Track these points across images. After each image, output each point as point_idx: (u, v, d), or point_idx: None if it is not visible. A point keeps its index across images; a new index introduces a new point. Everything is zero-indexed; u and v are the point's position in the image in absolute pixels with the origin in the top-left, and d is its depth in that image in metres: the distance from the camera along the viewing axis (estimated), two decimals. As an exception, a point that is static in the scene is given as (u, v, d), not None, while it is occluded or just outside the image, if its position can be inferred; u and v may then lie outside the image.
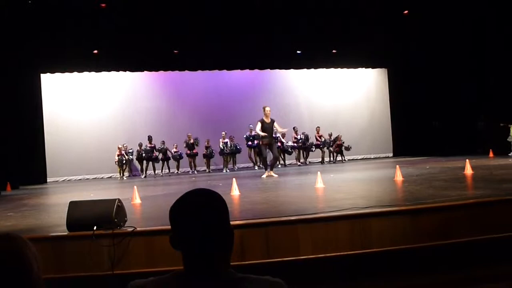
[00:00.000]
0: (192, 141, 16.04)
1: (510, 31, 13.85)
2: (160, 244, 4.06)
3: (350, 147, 17.54)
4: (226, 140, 16.24)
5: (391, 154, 19.24)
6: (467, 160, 8.85)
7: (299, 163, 16.98)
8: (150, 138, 15.76)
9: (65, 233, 4.31)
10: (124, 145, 15.74)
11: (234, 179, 7.97)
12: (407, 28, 15.83)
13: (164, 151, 15.95)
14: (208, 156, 16.38)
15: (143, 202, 7.11)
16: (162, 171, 16.16)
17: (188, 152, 16.10)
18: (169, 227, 1.38)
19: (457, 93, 16.35)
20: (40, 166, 15.00)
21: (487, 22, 14.46)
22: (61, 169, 15.80)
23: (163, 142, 15.93)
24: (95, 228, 4.15)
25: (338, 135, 17.45)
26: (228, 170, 16.04)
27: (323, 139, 17.25)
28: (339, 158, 17.75)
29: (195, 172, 16.00)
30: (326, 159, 17.62)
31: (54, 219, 5.50)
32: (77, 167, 15.99)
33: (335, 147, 17.50)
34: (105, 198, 4.74)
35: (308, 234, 4.26)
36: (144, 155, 15.62)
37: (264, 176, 11.10)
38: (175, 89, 17.39)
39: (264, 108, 11.43)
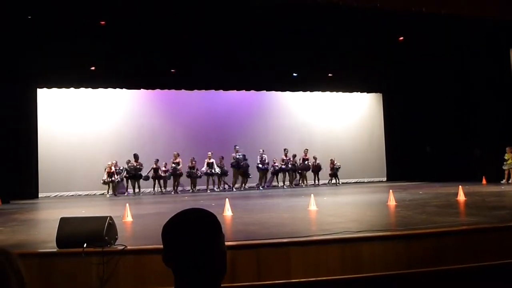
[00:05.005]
0: (178, 160, 15.87)
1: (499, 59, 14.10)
2: (150, 263, 4.02)
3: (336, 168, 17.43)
4: (212, 160, 16.11)
5: (384, 179, 19.25)
6: (460, 186, 8.88)
7: (285, 186, 16.88)
8: (136, 156, 15.63)
9: (54, 250, 4.26)
10: (114, 162, 15.60)
11: (227, 199, 7.94)
12: (402, 54, 16.04)
13: (153, 169, 15.73)
14: (192, 176, 16.14)
15: (135, 220, 7.05)
16: (154, 189, 16.02)
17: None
18: (160, 246, 1.38)
19: (452, 118, 16.49)
20: (32, 181, 14.86)
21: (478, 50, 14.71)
22: (53, 185, 15.66)
23: (157, 161, 15.80)
24: (85, 245, 4.10)
25: (332, 158, 17.43)
26: (216, 190, 15.94)
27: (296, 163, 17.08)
28: (332, 181, 17.70)
29: (194, 191, 15.89)
30: (300, 181, 17.51)
31: (44, 235, 5.44)
32: (70, 183, 15.87)
33: (329, 171, 17.50)
34: (97, 215, 4.71)
35: (300, 257, 4.24)
36: (130, 173, 15.46)
37: None
38: (171, 108, 17.41)
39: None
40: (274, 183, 17.35)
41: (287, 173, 16.97)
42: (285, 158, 16.77)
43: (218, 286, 1.35)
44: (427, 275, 4.26)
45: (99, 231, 4.20)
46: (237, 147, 16.20)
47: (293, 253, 4.25)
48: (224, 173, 16.25)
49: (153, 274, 3.96)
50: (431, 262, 4.36)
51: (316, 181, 17.51)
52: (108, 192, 15.38)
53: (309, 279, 4.13)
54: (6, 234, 5.85)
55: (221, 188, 16.30)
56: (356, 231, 4.74)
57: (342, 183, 17.90)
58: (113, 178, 15.34)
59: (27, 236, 5.65)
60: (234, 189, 16.10)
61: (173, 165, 15.74)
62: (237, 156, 16.09)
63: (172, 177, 15.88)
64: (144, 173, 15.70)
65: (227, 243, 1.38)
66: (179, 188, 16.18)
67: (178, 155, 15.86)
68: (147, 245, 4.35)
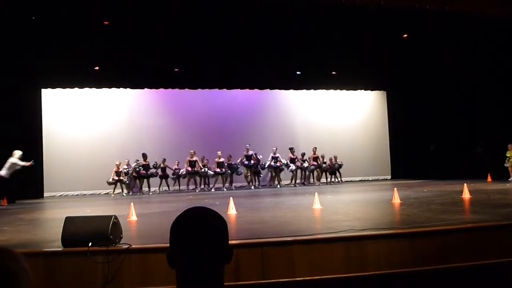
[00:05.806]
0: (194, 158, 15.84)
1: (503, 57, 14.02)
2: (154, 262, 4.03)
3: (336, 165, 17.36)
4: (222, 159, 16.10)
5: (389, 177, 19.21)
6: (465, 184, 8.85)
7: (293, 184, 16.84)
8: (144, 156, 15.66)
9: (59, 249, 4.28)
10: (126, 161, 15.61)
11: (231, 198, 7.94)
12: (406, 51, 15.98)
13: (161, 168, 15.77)
14: (204, 175, 16.13)
15: (139, 219, 7.07)
16: (159, 188, 16.01)
17: (190, 169, 15.88)
18: (164, 245, 1.38)
19: (456, 116, 16.41)
20: (37, 181, 14.91)
21: (483, 48, 14.61)
22: (58, 184, 15.72)
23: (164, 160, 15.80)
24: (90, 244, 4.12)
25: (331, 156, 17.34)
26: (224, 189, 15.95)
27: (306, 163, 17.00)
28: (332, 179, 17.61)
29: (206, 190, 15.85)
30: (322, 180, 17.50)
31: (49, 234, 5.46)
32: (75, 183, 15.91)
33: (328, 168, 17.39)
34: (102, 215, 4.72)
35: (304, 255, 4.24)
36: (138, 172, 15.50)
37: None
38: (175, 107, 17.43)
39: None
40: (285, 181, 17.27)
41: (293, 171, 16.93)
42: (292, 156, 16.73)
43: (222, 285, 1.35)
44: (432, 273, 4.25)
45: (104, 230, 4.22)
46: (248, 145, 16.17)
47: (297, 251, 4.25)
48: (233, 171, 16.23)
49: (158, 273, 3.97)
50: (436, 260, 4.35)
51: (331, 179, 17.53)
52: (114, 192, 15.41)
53: (314, 277, 4.13)
54: (12, 234, 5.88)
55: (227, 187, 16.27)
56: (360, 229, 4.73)
57: (346, 181, 17.85)
58: (121, 177, 15.38)
59: (32, 235, 5.68)
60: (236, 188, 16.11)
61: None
62: (249, 155, 16.09)
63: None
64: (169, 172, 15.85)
65: (231, 242, 1.38)
66: (183, 187, 16.18)
67: (195, 153, 15.85)
68: (152, 244, 4.36)
